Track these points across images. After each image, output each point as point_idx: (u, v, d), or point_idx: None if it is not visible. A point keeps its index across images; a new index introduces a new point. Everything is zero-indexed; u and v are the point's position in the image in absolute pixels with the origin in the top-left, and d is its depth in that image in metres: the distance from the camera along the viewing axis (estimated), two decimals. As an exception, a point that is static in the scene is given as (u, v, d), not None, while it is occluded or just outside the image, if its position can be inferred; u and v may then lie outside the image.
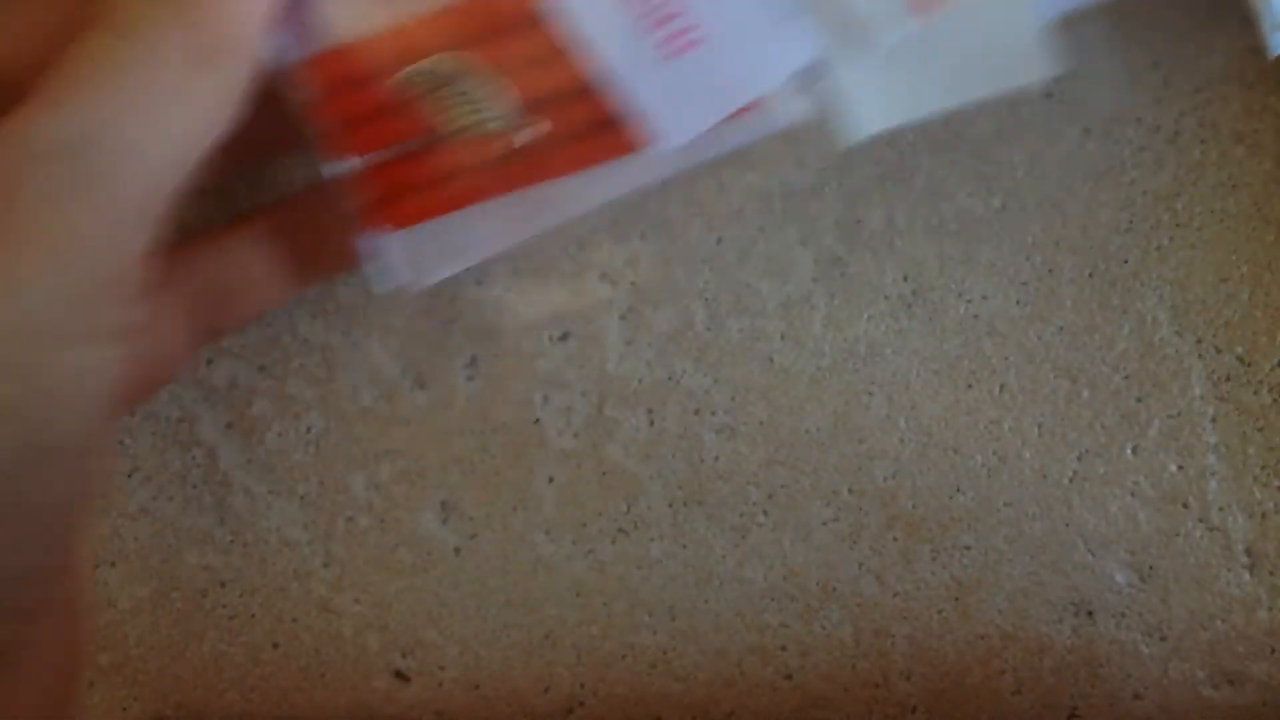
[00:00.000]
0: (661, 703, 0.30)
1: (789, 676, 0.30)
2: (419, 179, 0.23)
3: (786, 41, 0.21)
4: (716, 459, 0.29)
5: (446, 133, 0.22)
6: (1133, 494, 0.28)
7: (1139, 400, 0.28)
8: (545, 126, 0.22)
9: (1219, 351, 0.27)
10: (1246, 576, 0.28)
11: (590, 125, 0.22)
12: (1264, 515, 0.28)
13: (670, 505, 0.29)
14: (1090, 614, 0.29)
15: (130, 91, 0.19)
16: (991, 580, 0.29)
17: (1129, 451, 0.28)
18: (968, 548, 0.29)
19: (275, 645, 0.31)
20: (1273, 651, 0.28)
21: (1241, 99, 0.26)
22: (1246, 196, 0.27)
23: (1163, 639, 0.29)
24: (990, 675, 0.29)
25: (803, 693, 0.30)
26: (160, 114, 0.19)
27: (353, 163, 0.23)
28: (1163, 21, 0.26)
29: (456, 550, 0.30)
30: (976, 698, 0.29)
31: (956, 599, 0.29)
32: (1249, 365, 0.27)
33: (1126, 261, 0.27)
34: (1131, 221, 0.27)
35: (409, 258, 0.24)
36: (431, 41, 0.21)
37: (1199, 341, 0.27)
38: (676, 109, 0.22)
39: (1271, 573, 0.28)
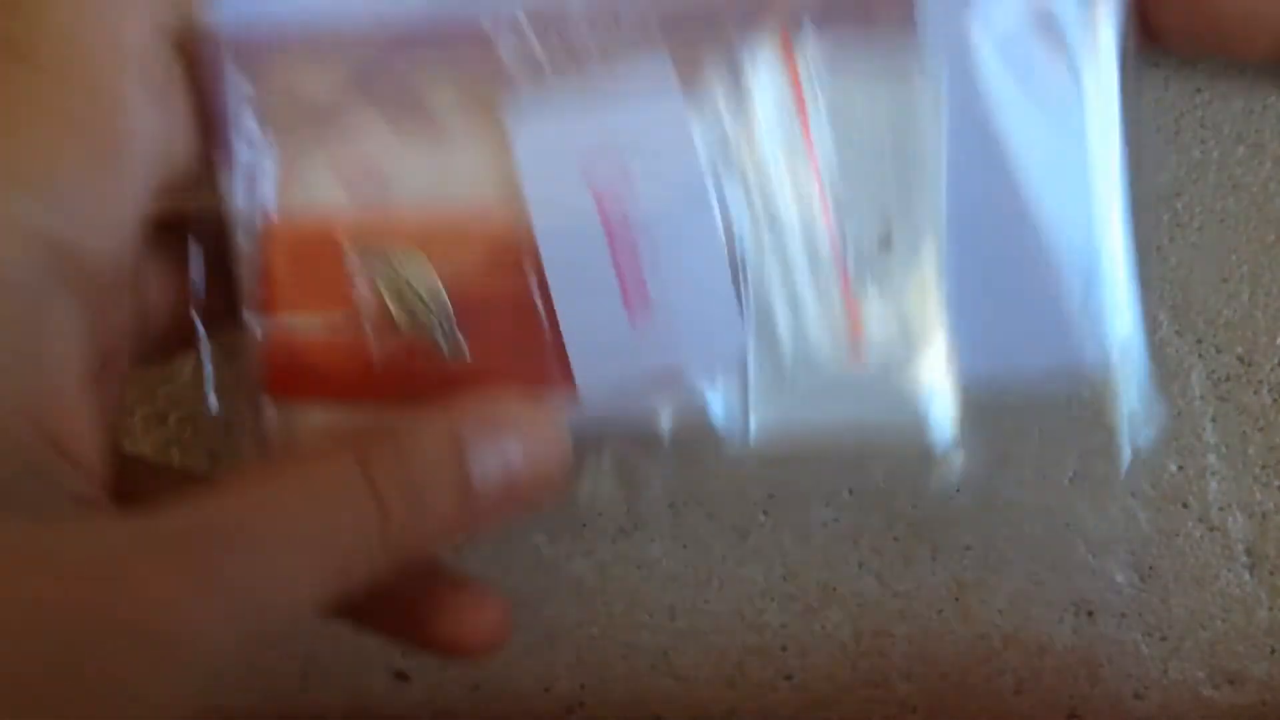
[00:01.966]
0: (661, 703, 0.30)
1: (789, 676, 0.30)
2: (325, 360, 0.22)
3: (724, 336, 0.22)
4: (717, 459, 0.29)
5: (372, 324, 0.22)
6: (1133, 494, 0.28)
7: (1139, 400, 0.28)
8: (466, 355, 0.22)
9: (1219, 351, 0.27)
10: (1246, 576, 0.28)
11: (522, 356, 0.22)
12: (1264, 515, 0.28)
13: (670, 505, 0.29)
14: (1090, 614, 0.29)
15: None
16: (991, 580, 0.29)
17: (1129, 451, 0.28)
18: (968, 548, 0.29)
19: (275, 645, 0.31)
20: (1273, 651, 0.28)
21: (1242, 99, 0.26)
22: (1246, 196, 0.27)
23: (1163, 639, 0.29)
24: (990, 675, 0.29)
25: (803, 693, 0.30)
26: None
27: (270, 323, 0.22)
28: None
29: (457, 550, 0.30)
30: (976, 698, 0.29)
31: (956, 599, 0.29)
32: (1249, 365, 0.27)
33: (1126, 261, 0.27)
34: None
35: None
36: (397, 234, 0.22)
37: (1199, 341, 0.27)
38: (610, 372, 0.22)
39: (1271, 573, 0.28)
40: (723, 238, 0.21)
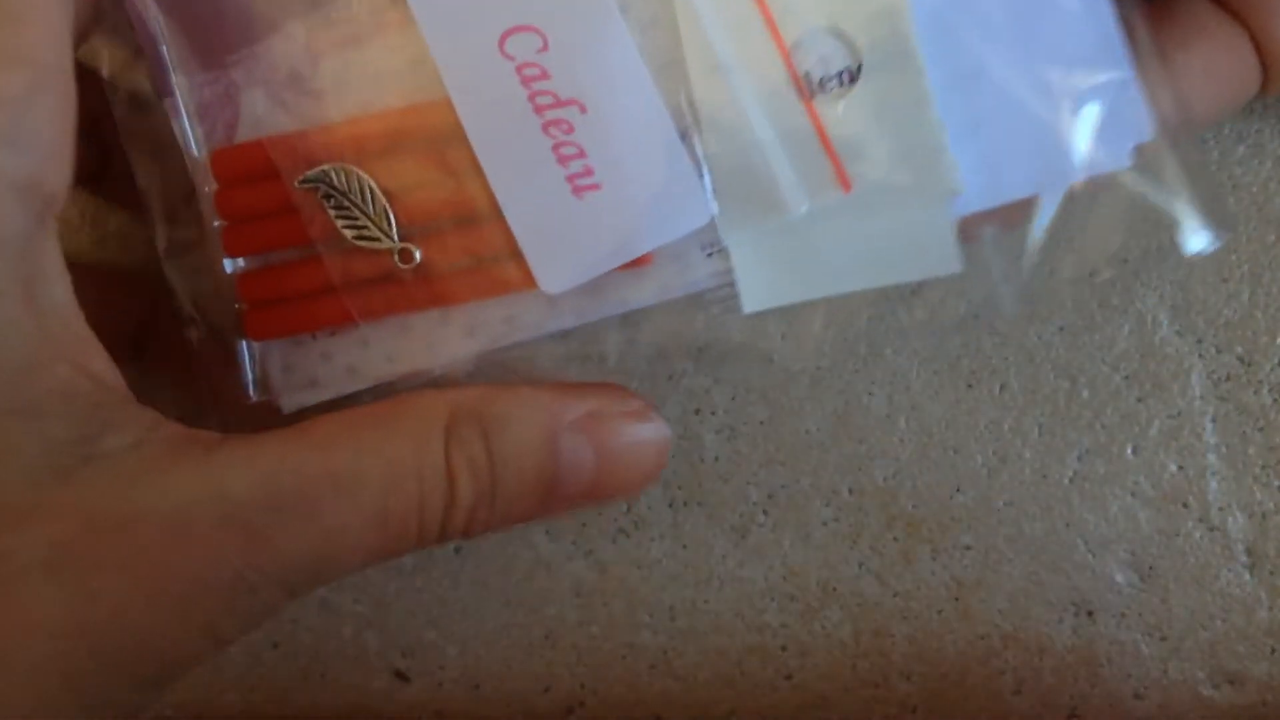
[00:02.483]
0: (661, 703, 0.30)
1: (789, 676, 0.30)
2: (291, 290, 0.22)
3: (684, 203, 0.20)
4: (716, 459, 0.29)
5: (328, 246, 0.21)
6: (1133, 494, 0.28)
7: (1139, 400, 0.28)
8: (417, 254, 0.21)
9: (1219, 351, 0.27)
10: (1246, 576, 0.28)
11: (475, 258, 0.21)
12: (1264, 515, 0.28)
13: (670, 505, 0.29)
14: (1090, 614, 0.29)
15: None
16: (991, 580, 0.29)
17: (1129, 451, 0.28)
18: (968, 548, 0.29)
19: (275, 645, 0.31)
20: (1273, 651, 0.28)
21: (1241, 99, 0.26)
22: (1246, 196, 0.27)
23: (1163, 639, 0.29)
24: (990, 675, 0.29)
25: (803, 693, 0.30)
26: None
27: (238, 263, 0.22)
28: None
29: (456, 550, 0.30)
30: (976, 698, 0.29)
31: (956, 599, 0.29)
32: (1249, 365, 0.27)
33: (1126, 261, 0.27)
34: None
35: (285, 371, 0.23)
36: (332, 149, 0.21)
37: (1199, 341, 0.27)
38: (565, 253, 0.21)
39: (1271, 573, 0.28)
40: (658, 96, 0.20)
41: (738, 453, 0.29)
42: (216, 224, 0.22)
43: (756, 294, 0.21)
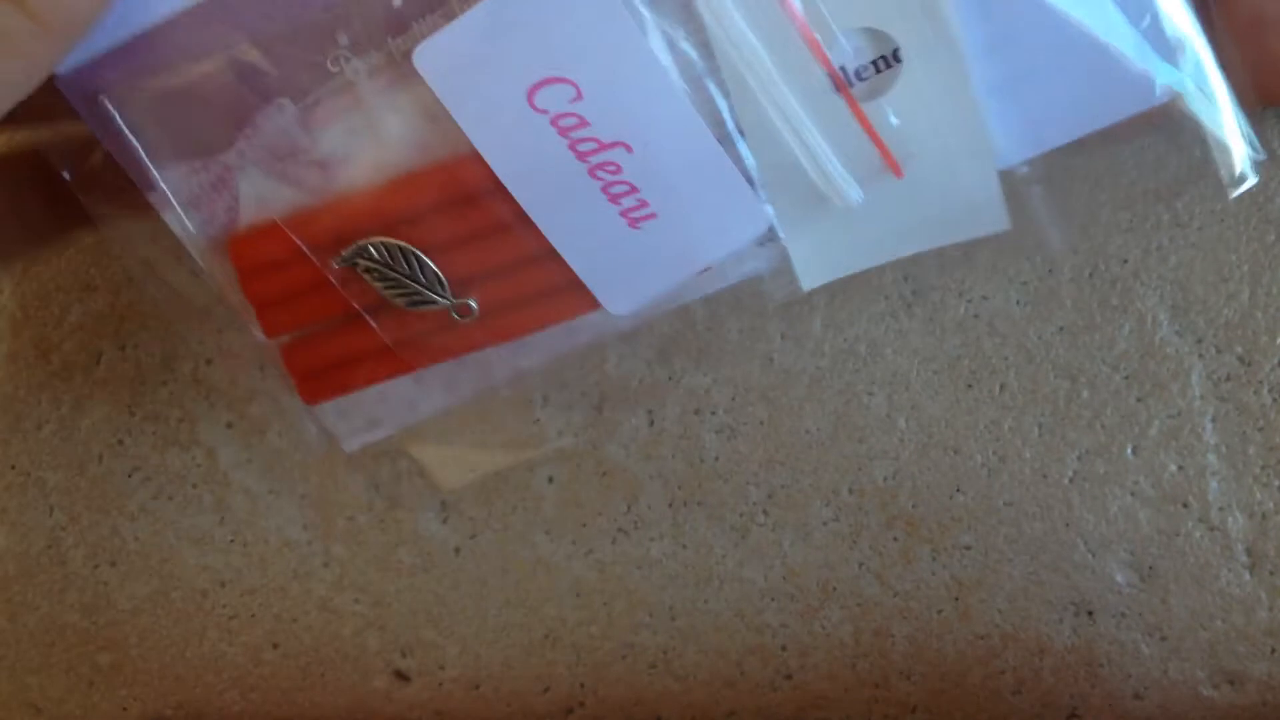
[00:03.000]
0: (661, 703, 0.30)
1: (789, 676, 0.30)
2: (340, 356, 0.22)
3: (740, 215, 0.21)
4: (716, 459, 0.29)
5: (375, 313, 0.21)
6: (1133, 494, 0.28)
7: (1139, 400, 0.28)
8: (474, 309, 0.21)
9: (1219, 351, 0.27)
10: (1246, 576, 0.28)
11: (533, 294, 0.21)
12: (1264, 515, 0.28)
13: (670, 505, 0.29)
14: (1090, 614, 0.29)
15: None
16: (991, 580, 0.29)
17: (1129, 451, 0.28)
18: (968, 548, 0.29)
19: (275, 645, 0.31)
20: (1273, 651, 0.28)
21: (1241, 99, 0.26)
22: (1246, 196, 0.27)
23: (1163, 639, 0.29)
24: (990, 675, 0.29)
25: (803, 693, 0.30)
26: None
27: (280, 339, 0.22)
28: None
29: (456, 550, 0.30)
30: (976, 698, 0.29)
31: (956, 599, 0.29)
32: (1249, 365, 0.27)
33: (1126, 261, 0.27)
34: (1131, 221, 0.27)
35: (341, 418, 0.23)
36: (360, 222, 0.20)
37: (1199, 341, 0.27)
38: (628, 278, 0.21)
39: (1271, 573, 0.28)
40: (699, 117, 0.20)
41: (738, 453, 0.29)
42: (244, 303, 0.21)
43: (813, 273, 0.22)
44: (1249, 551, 0.28)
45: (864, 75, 0.20)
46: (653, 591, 0.30)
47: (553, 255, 0.21)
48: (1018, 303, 0.27)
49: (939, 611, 0.29)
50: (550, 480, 0.29)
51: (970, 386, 0.28)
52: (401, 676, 0.31)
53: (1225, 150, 0.21)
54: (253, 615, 0.31)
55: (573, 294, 0.21)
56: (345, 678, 0.31)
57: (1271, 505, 0.28)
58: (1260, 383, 0.27)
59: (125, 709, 0.32)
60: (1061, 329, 0.28)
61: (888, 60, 0.20)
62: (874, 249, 0.22)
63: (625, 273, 0.21)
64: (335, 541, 0.30)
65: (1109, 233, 0.27)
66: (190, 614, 0.31)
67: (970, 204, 0.21)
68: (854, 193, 0.21)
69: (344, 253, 0.20)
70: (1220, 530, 0.28)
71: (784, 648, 0.30)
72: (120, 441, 0.30)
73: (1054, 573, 0.28)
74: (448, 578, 0.30)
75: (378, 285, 0.21)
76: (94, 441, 0.30)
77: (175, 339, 0.29)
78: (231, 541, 0.30)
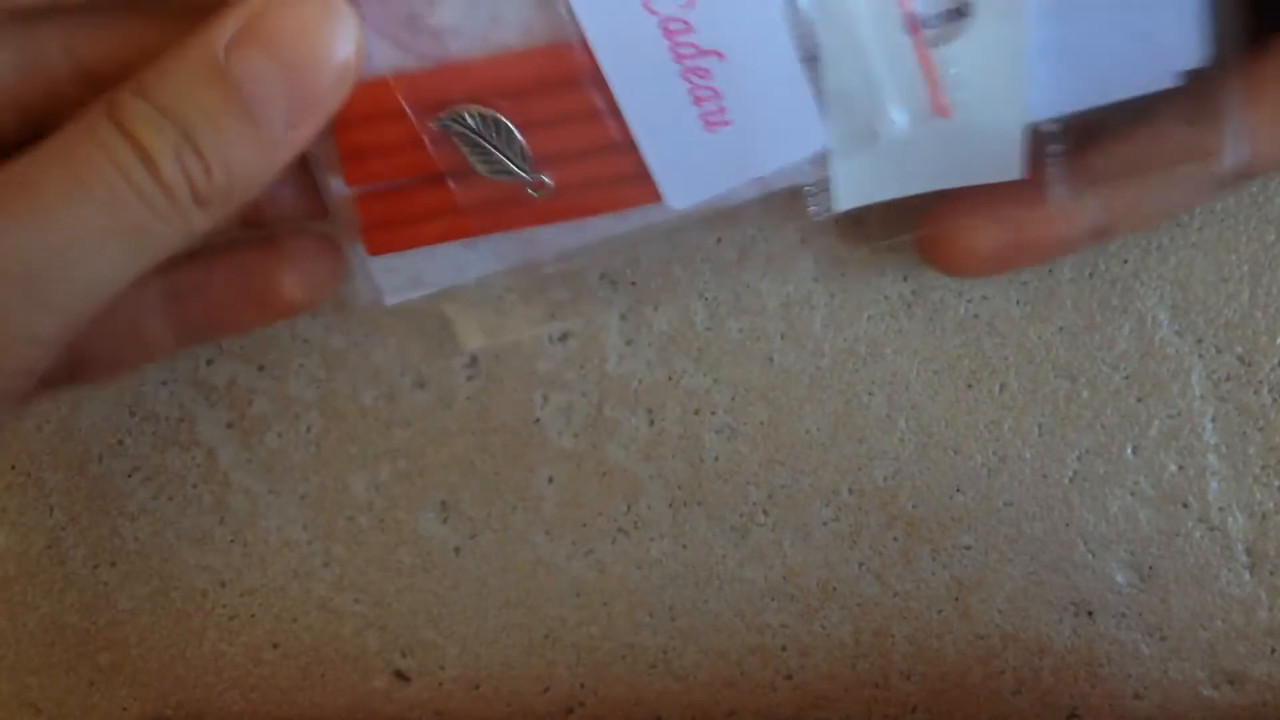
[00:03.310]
0: (661, 703, 0.30)
1: (789, 676, 0.30)
2: (412, 213, 0.23)
3: (803, 132, 0.22)
4: (716, 459, 0.29)
5: (456, 176, 0.23)
6: (1133, 494, 0.28)
7: (1139, 400, 0.28)
8: (550, 185, 0.23)
9: (1219, 351, 0.27)
10: (1246, 576, 0.28)
11: (603, 180, 0.23)
12: (1264, 515, 0.28)
13: (670, 505, 0.29)
14: (1090, 614, 0.29)
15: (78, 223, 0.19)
16: (991, 580, 0.29)
17: (1129, 451, 0.28)
18: (968, 548, 0.29)
19: (275, 645, 0.31)
20: (1273, 651, 0.28)
21: (1241, 99, 0.26)
22: (1246, 196, 0.27)
23: (1163, 639, 0.29)
24: (990, 675, 0.29)
25: (803, 693, 0.30)
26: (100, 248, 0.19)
27: (357, 188, 0.23)
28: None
29: (456, 550, 0.30)
30: (976, 698, 0.29)
31: (956, 599, 0.29)
32: (1249, 365, 0.27)
33: (1126, 261, 0.27)
34: (1131, 221, 0.27)
35: (388, 271, 0.24)
36: (466, 90, 0.22)
37: (1199, 341, 0.27)
38: (692, 177, 0.23)
39: (1271, 573, 0.28)
40: (790, 40, 0.21)
41: (738, 453, 0.29)
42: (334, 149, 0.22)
43: (849, 194, 0.23)
44: (1249, 551, 0.28)
45: (934, 23, 0.22)
46: (653, 591, 0.30)
47: (630, 146, 0.22)
48: (1018, 303, 0.27)
49: (939, 611, 0.29)
50: (550, 480, 0.29)
51: (970, 386, 0.28)
52: (401, 676, 0.31)
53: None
54: (253, 615, 0.31)
55: (638, 185, 0.23)
56: (345, 678, 0.31)
57: (1271, 505, 0.28)
58: (1260, 383, 0.27)
59: (125, 709, 0.32)
60: (1061, 329, 0.28)
61: (961, 11, 0.22)
62: (905, 181, 0.24)
63: (691, 171, 0.23)
64: (335, 541, 0.30)
65: (1109, 233, 0.27)
66: (190, 614, 0.31)
67: (992, 152, 0.23)
68: (903, 124, 0.22)
69: (442, 115, 0.22)
70: (1220, 530, 0.28)
71: (784, 648, 0.30)
72: (120, 441, 0.30)
73: (1054, 573, 0.28)
74: (448, 578, 0.30)
75: (465, 149, 0.22)
76: (94, 441, 0.30)
77: (175, 339, 0.29)
78: (231, 541, 0.30)
